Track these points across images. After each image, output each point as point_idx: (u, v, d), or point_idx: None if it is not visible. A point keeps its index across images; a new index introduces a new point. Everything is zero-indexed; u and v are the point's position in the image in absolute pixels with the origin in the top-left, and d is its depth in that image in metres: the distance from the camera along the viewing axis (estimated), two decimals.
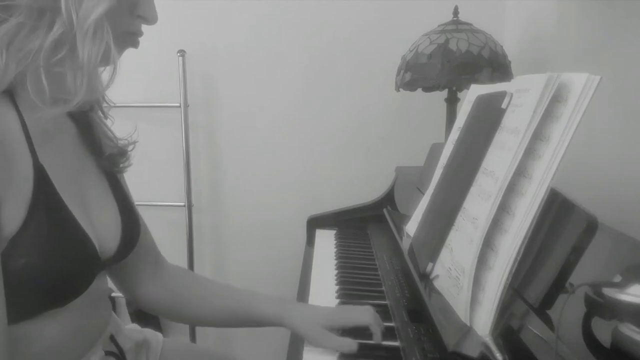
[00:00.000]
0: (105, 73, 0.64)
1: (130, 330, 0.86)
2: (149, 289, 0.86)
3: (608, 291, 0.51)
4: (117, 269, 0.81)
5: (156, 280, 0.87)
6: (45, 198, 0.60)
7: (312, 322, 0.79)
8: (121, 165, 0.78)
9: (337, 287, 0.99)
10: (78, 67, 0.58)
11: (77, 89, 0.59)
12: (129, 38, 0.66)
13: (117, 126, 0.80)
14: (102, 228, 0.70)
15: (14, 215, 0.57)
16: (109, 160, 0.76)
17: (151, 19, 0.66)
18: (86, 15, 0.57)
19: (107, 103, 0.76)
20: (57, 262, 0.60)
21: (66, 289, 0.62)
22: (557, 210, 0.60)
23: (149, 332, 0.91)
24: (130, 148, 0.79)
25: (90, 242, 0.64)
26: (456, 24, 1.27)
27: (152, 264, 0.87)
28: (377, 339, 0.77)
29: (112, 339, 0.77)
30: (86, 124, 0.74)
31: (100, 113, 0.75)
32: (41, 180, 0.60)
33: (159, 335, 0.92)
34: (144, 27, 0.67)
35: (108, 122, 0.77)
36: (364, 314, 0.79)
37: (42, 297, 0.59)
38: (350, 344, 0.75)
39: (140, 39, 0.69)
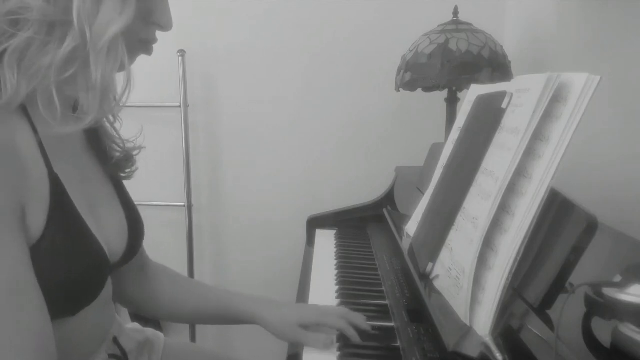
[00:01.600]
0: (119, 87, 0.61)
1: (132, 331, 0.86)
2: (133, 289, 0.87)
3: (608, 291, 0.51)
4: None
5: (140, 281, 0.88)
6: (62, 208, 0.59)
7: (286, 320, 0.80)
8: (127, 170, 0.78)
9: (337, 287, 0.99)
10: (91, 86, 0.56)
11: (89, 108, 0.57)
12: (142, 46, 0.64)
13: (117, 126, 0.80)
14: (110, 233, 0.69)
15: (35, 225, 0.56)
16: (115, 166, 0.76)
17: (166, 26, 0.64)
18: (101, 33, 0.55)
19: (117, 103, 0.76)
20: (73, 271, 0.59)
21: (80, 297, 0.62)
22: (557, 210, 0.60)
23: (150, 332, 0.91)
24: (135, 152, 0.79)
25: (101, 249, 0.64)
26: (456, 24, 1.27)
27: (139, 266, 0.87)
28: (355, 340, 0.77)
29: (115, 341, 0.77)
30: (94, 130, 0.73)
31: (109, 117, 0.74)
32: (57, 190, 0.59)
33: (160, 335, 0.92)
34: None
35: (117, 125, 0.76)
36: (337, 319, 0.79)
37: (56, 306, 0.58)
38: (326, 341, 0.75)
39: None
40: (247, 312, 0.85)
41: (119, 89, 0.60)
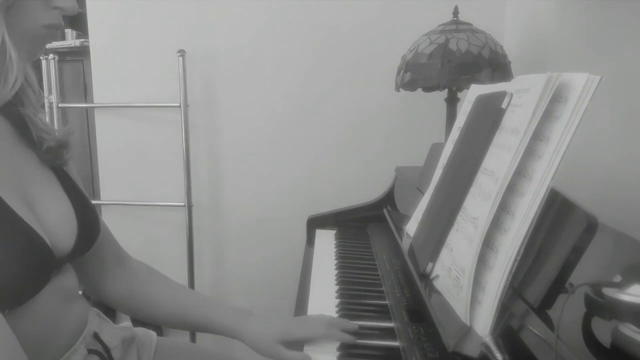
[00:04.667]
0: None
1: (119, 328, 0.85)
2: (110, 284, 0.86)
3: (608, 291, 0.51)
4: (77, 264, 0.80)
5: (117, 276, 0.87)
6: None
7: (266, 338, 0.79)
8: (64, 157, 0.76)
9: (337, 287, 0.99)
10: None
11: None
12: (47, 32, 0.63)
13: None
14: (53, 224, 0.68)
15: None
16: (49, 154, 0.74)
17: (70, 9, 0.63)
18: None
19: (36, 94, 0.74)
20: (5, 260, 0.58)
21: (19, 288, 0.61)
22: (557, 210, 0.60)
23: (141, 330, 0.90)
24: (68, 137, 0.77)
25: (39, 239, 0.63)
26: (456, 24, 1.27)
27: (113, 260, 0.87)
28: (351, 341, 0.76)
29: (96, 337, 0.76)
30: (20, 120, 0.72)
31: (30, 107, 0.73)
32: None
33: (152, 333, 0.92)
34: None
35: (41, 116, 0.75)
36: (315, 328, 0.79)
37: None
38: (304, 359, 0.75)
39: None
40: (228, 326, 0.83)
41: (14, 74, 0.60)
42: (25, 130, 0.73)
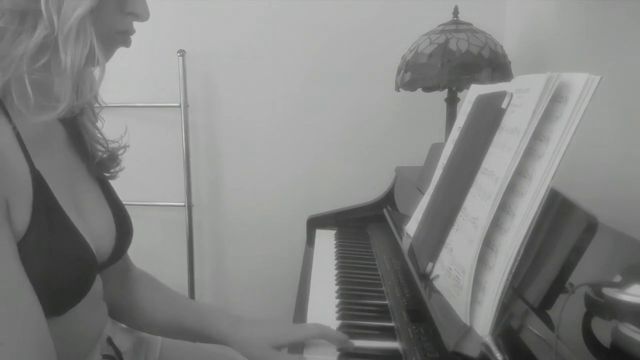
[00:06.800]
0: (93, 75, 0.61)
1: (128, 331, 0.85)
2: (114, 294, 0.85)
3: (608, 291, 0.51)
4: None
5: (122, 286, 0.86)
6: (45, 204, 0.59)
7: (257, 343, 0.78)
8: (112, 170, 0.77)
9: (337, 287, 0.99)
10: (61, 71, 0.56)
11: (62, 95, 0.57)
12: (119, 37, 0.63)
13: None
14: (97, 232, 0.69)
15: (20, 220, 0.56)
16: (99, 166, 0.75)
17: (143, 16, 0.63)
18: (67, 16, 0.55)
19: (99, 104, 0.74)
20: (59, 268, 0.59)
21: (67, 296, 0.62)
22: (557, 210, 0.60)
23: None
24: (120, 152, 0.78)
25: (88, 247, 0.64)
26: (456, 24, 1.27)
27: (122, 270, 0.86)
28: (344, 341, 0.76)
29: (110, 341, 0.76)
30: (75, 128, 0.73)
31: (90, 115, 0.73)
32: (39, 186, 0.59)
33: None
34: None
35: (99, 124, 0.75)
36: (308, 328, 0.78)
37: (42, 304, 0.57)
38: None
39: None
40: (220, 332, 0.82)
41: (95, 79, 0.60)
42: (77, 138, 0.73)
